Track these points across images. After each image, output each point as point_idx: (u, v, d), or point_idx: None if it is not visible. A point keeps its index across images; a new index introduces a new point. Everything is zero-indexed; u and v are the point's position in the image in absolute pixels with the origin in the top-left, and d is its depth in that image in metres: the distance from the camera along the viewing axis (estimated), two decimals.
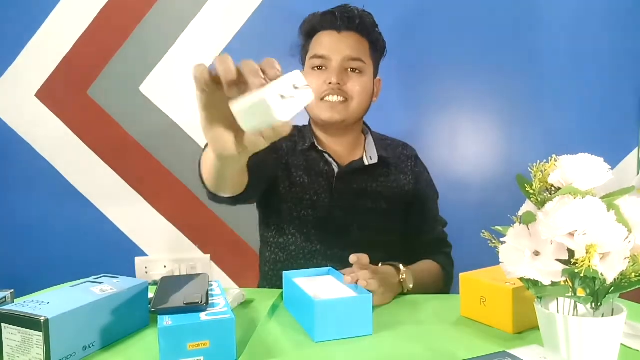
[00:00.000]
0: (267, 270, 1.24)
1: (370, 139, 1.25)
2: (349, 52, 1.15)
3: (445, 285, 1.20)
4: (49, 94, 1.74)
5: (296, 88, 0.56)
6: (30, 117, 1.74)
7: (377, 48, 1.22)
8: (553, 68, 1.65)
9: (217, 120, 0.59)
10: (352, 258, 0.92)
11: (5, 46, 1.72)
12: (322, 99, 1.15)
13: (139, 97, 1.73)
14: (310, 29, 1.21)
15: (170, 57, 1.71)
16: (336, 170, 1.19)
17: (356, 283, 0.85)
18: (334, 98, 1.14)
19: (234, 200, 0.98)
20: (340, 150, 1.22)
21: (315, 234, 1.17)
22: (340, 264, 0.96)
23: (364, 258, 0.93)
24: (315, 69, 1.17)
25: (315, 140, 1.21)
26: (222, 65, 0.54)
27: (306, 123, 1.27)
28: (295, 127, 1.26)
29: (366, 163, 1.20)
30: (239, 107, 0.54)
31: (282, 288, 0.96)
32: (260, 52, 1.68)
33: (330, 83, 1.13)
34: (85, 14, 1.71)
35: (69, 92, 1.73)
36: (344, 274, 0.89)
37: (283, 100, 0.54)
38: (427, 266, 1.16)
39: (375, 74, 1.23)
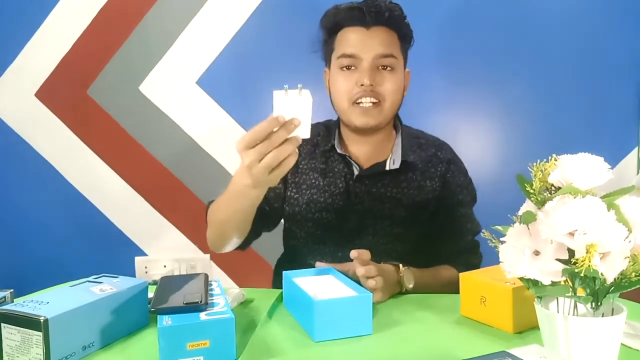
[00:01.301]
0: (279, 271, 1.24)
1: (399, 140, 1.17)
2: (380, 49, 1.08)
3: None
4: (49, 94, 1.74)
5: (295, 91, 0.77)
6: (30, 117, 1.74)
7: (406, 39, 1.15)
8: (553, 68, 1.65)
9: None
10: (353, 253, 0.91)
11: (5, 46, 1.72)
12: (354, 103, 1.09)
13: (139, 97, 1.72)
14: (334, 25, 1.13)
15: (170, 57, 1.71)
16: (356, 172, 1.14)
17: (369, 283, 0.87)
18: (367, 100, 1.08)
19: (244, 244, 1.12)
20: (366, 150, 1.16)
21: (328, 235, 1.15)
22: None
23: (365, 254, 0.92)
24: (344, 69, 1.10)
25: (336, 142, 1.16)
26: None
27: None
28: (323, 125, 1.23)
29: (387, 168, 1.14)
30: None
31: None
32: (259, 51, 1.69)
33: (362, 85, 1.07)
34: (85, 13, 1.71)
35: (69, 92, 1.73)
36: (345, 271, 0.91)
37: (300, 96, 0.76)
38: (441, 271, 1.11)
39: (405, 67, 1.17)
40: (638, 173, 1.63)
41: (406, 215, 1.14)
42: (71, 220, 1.77)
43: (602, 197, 0.57)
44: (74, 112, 1.74)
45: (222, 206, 0.99)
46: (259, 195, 0.91)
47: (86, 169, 1.75)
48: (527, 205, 0.62)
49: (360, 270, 0.88)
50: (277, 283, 1.24)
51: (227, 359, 0.67)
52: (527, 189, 0.60)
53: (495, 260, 0.61)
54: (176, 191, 1.74)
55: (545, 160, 0.61)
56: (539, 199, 0.59)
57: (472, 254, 1.18)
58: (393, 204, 1.13)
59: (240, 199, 0.92)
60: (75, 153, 1.75)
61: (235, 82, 1.70)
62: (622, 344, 0.61)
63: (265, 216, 1.06)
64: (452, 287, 1.08)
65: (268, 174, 0.80)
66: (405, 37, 1.14)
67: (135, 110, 1.73)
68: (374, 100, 1.08)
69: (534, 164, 0.61)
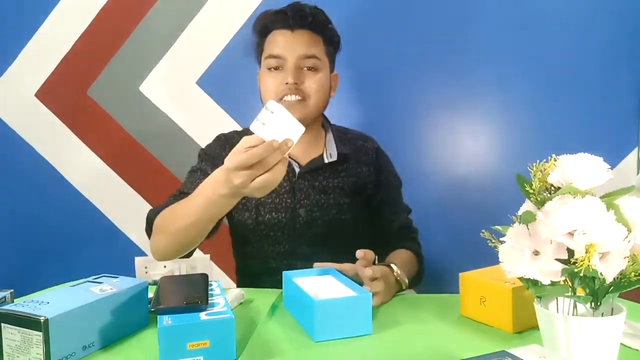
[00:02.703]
0: (243, 280, 1.27)
1: (330, 135, 1.25)
2: (303, 51, 1.15)
3: (420, 269, 1.21)
4: (49, 94, 1.74)
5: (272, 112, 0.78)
6: (30, 117, 1.74)
7: (331, 44, 1.22)
8: (553, 68, 1.65)
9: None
10: (359, 253, 0.93)
11: (5, 46, 1.72)
12: (280, 99, 1.14)
13: (139, 97, 1.72)
14: (263, 28, 1.20)
15: (170, 57, 1.71)
16: (297, 170, 1.20)
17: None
18: (292, 97, 1.14)
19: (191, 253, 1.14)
20: (300, 148, 1.21)
21: (282, 235, 1.18)
22: (309, 261, 0.98)
23: (370, 254, 0.94)
24: (272, 69, 1.17)
25: None
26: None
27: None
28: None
29: (326, 161, 1.20)
30: (285, 132, 0.79)
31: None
32: None
33: (287, 83, 1.13)
34: (85, 14, 1.71)
35: (69, 92, 1.73)
36: (345, 271, 0.92)
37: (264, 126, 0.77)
38: (404, 256, 1.17)
39: (332, 69, 1.24)
40: (638, 173, 1.63)
41: (350, 202, 1.21)
42: (71, 220, 1.76)
43: (602, 197, 0.57)
44: (74, 112, 1.74)
45: (189, 214, 0.96)
46: (233, 203, 0.90)
47: (86, 169, 1.75)
48: (527, 205, 0.62)
49: (368, 272, 0.89)
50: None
51: (227, 359, 0.67)
52: (526, 189, 0.60)
53: (495, 260, 0.61)
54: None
55: (544, 160, 0.61)
56: (539, 199, 0.59)
57: (410, 228, 1.30)
58: (337, 194, 1.20)
59: (213, 208, 0.90)
60: (75, 153, 1.75)
61: (235, 82, 1.70)
62: (621, 344, 0.61)
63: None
64: (416, 266, 1.18)
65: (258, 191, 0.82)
66: (330, 40, 1.22)
67: (135, 110, 1.73)
68: (299, 98, 1.15)
69: (534, 164, 0.61)
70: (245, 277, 1.28)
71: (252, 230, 1.19)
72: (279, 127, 0.78)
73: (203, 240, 1.06)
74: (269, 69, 1.17)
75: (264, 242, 1.19)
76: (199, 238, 1.03)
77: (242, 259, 1.28)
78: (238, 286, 1.28)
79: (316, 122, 1.23)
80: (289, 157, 1.17)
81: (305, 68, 1.16)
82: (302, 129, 0.80)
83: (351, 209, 1.21)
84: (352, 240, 1.08)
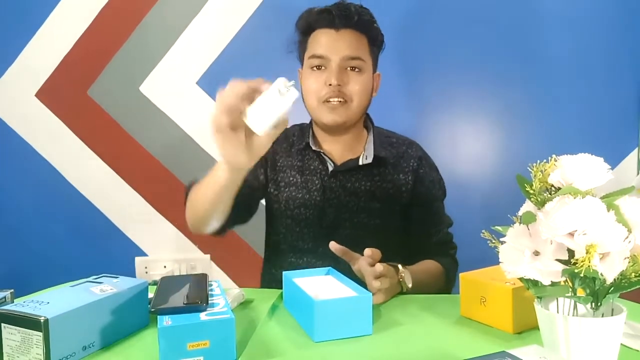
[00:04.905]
0: (262, 272, 1.28)
1: (371, 137, 1.22)
2: (347, 51, 1.13)
3: (447, 286, 1.19)
4: (49, 94, 1.74)
5: (283, 90, 0.79)
6: (30, 117, 1.74)
7: (375, 43, 1.20)
8: (553, 68, 1.65)
9: (233, 144, 0.85)
10: (367, 252, 0.93)
11: (5, 46, 1.72)
12: (323, 101, 1.14)
13: (139, 97, 1.73)
14: (307, 26, 1.18)
15: (170, 57, 1.71)
16: (330, 168, 1.19)
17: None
18: (334, 100, 1.13)
19: (222, 230, 1.10)
20: (338, 148, 1.21)
21: (307, 232, 1.18)
22: (330, 261, 0.98)
23: (378, 254, 0.94)
24: (314, 69, 1.15)
25: (310, 140, 1.20)
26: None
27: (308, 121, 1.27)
28: (298, 126, 1.28)
29: (360, 163, 1.19)
30: (252, 116, 0.80)
31: (275, 287, 0.99)
32: (259, 51, 1.69)
33: (330, 85, 1.12)
34: (85, 14, 1.71)
35: (69, 92, 1.73)
36: (353, 260, 0.95)
37: (280, 97, 0.78)
38: (428, 266, 1.15)
39: (375, 69, 1.22)
40: (638, 174, 1.63)
41: (381, 207, 1.18)
42: (71, 220, 1.77)
43: (602, 198, 0.57)
44: (74, 113, 1.74)
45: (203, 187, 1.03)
46: (231, 178, 0.95)
47: (86, 169, 1.75)
48: (527, 206, 0.62)
49: (379, 267, 0.90)
50: (264, 283, 1.28)
51: (227, 359, 0.67)
52: (527, 189, 0.60)
53: (495, 261, 0.61)
54: (176, 191, 1.74)
55: (545, 160, 0.61)
56: (539, 199, 0.59)
57: (449, 245, 1.25)
58: (368, 198, 1.18)
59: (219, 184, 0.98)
60: (75, 153, 1.75)
61: None
62: (622, 345, 0.61)
63: (245, 202, 1.08)
64: (441, 281, 1.16)
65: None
66: (374, 40, 1.19)
67: (135, 110, 1.73)
68: (341, 100, 1.13)
69: (534, 164, 0.61)
70: (266, 270, 1.28)
71: (281, 222, 1.20)
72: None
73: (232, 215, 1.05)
74: (312, 68, 1.16)
75: (288, 236, 1.19)
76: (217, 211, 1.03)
77: (270, 249, 1.28)
78: (262, 275, 1.29)
79: (358, 123, 1.22)
80: (325, 155, 1.19)
81: (349, 68, 1.14)
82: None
83: (382, 215, 1.18)
84: (380, 247, 1.05)
